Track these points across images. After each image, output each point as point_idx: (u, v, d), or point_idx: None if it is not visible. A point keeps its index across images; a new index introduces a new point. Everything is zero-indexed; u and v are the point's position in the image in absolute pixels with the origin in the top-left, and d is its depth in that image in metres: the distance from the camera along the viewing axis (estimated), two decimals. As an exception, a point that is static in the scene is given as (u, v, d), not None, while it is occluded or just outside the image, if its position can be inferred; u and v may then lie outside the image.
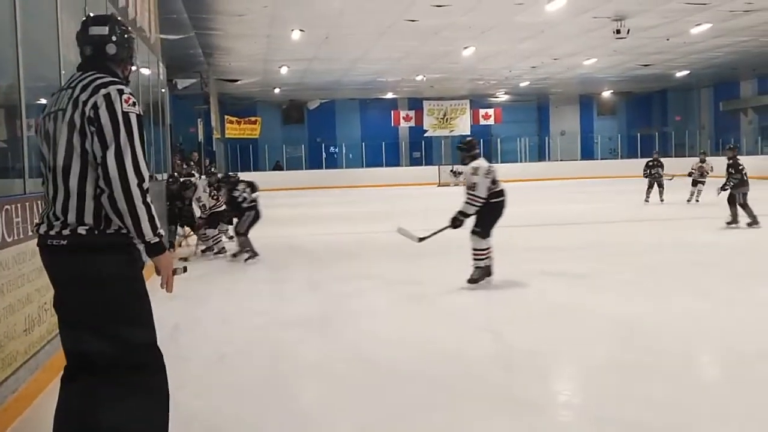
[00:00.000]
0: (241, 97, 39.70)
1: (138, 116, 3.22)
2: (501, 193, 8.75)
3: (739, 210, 13.93)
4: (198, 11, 19.47)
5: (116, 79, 3.31)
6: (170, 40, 17.85)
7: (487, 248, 8.70)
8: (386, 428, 4.38)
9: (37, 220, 3.34)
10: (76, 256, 3.19)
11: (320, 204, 25.43)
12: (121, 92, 3.20)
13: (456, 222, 8.72)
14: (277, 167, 41.64)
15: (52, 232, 3.19)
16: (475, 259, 8.67)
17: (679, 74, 36.95)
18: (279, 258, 11.47)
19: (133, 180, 3.13)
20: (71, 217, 3.17)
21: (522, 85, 39.59)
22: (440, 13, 21.15)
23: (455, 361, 5.71)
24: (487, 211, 8.63)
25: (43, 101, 8.71)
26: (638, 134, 44.39)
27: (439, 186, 36.95)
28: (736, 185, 14.30)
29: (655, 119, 46.62)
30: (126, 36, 3.49)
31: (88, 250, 3.18)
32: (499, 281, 9.11)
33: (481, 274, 8.68)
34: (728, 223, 13.95)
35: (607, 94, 45.45)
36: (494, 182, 8.68)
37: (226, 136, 37.17)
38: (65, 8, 6.81)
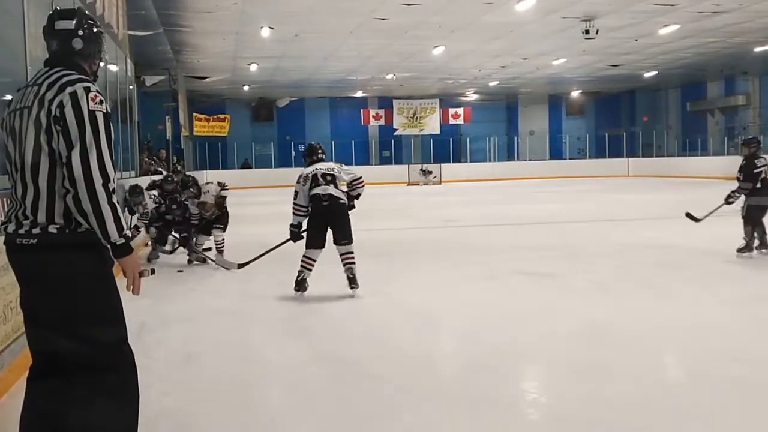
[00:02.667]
0: (210, 94, 39.47)
1: (105, 114, 3.16)
2: (314, 198, 8.36)
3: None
4: (166, 8, 19.34)
5: (83, 77, 3.24)
6: (138, 36, 17.72)
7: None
8: (355, 429, 4.36)
9: (2, 219, 3.27)
10: (46, 255, 3.14)
11: (289, 202, 25.33)
12: (87, 90, 3.14)
13: (292, 235, 8.60)
14: (246, 165, 41.47)
15: (21, 231, 3.14)
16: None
17: (648, 75, 37.27)
18: (247, 257, 11.40)
19: (98, 180, 3.07)
20: (41, 217, 3.12)
21: (491, 84, 39.70)
22: (410, 12, 21.16)
23: (424, 362, 5.71)
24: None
25: (9, 97, 8.59)
26: (606, 134, 44.70)
27: (408, 185, 37.01)
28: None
29: (624, 119, 46.92)
30: (94, 30, 3.41)
31: (59, 248, 3.14)
32: (471, 281, 9.14)
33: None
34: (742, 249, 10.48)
35: (575, 94, 45.71)
36: (313, 188, 8.37)
37: (195, 133, 36.95)
38: (32, 3, 6.73)
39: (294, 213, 8.54)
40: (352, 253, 8.34)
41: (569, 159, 44.77)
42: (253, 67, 31.04)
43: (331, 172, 8.49)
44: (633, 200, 22.65)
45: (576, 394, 4.84)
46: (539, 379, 5.50)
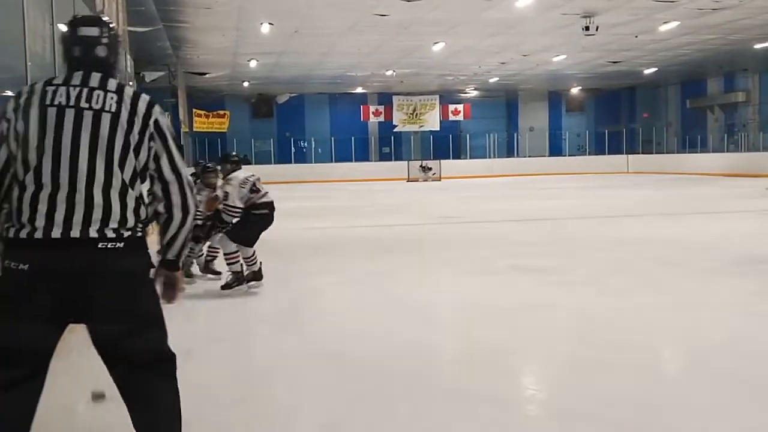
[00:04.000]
0: (210, 90, 39.46)
1: None
2: (265, 206, 8.44)
3: None
4: (166, 3, 19.33)
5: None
6: (138, 32, 17.70)
7: (236, 252, 8.30)
8: (353, 424, 4.37)
9: (42, 224, 3.13)
10: (128, 255, 3.12)
11: (289, 199, 25.34)
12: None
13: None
14: (245, 161, 41.35)
15: (110, 234, 3.06)
16: (228, 264, 8.41)
17: (647, 71, 37.25)
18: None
19: (192, 200, 3.26)
20: (131, 221, 3.11)
21: (491, 81, 39.72)
22: (410, 8, 21.16)
23: (423, 358, 5.72)
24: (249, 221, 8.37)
25: (9, 93, 8.58)
26: (606, 131, 44.72)
27: (408, 181, 37.02)
28: None
29: (623, 116, 46.99)
30: (117, 39, 3.42)
31: (141, 249, 3.17)
32: (471, 277, 9.15)
33: (234, 279, 8.36)
34: None
35: (575, 90, 45.71)
36: (253, 192, 8.40)
37: (195, 129, 36.97)
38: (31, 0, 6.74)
39: (230, 214, 8.34)
40: None
41: (569, 155, 44.80)
42: (253, 63, 31.04)
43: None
44: (632, 196, 22.66)
45: (575, 389, 4.85)
46: (539, 375, 5.51)
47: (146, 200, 3.20)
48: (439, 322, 7.10)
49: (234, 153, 9.43)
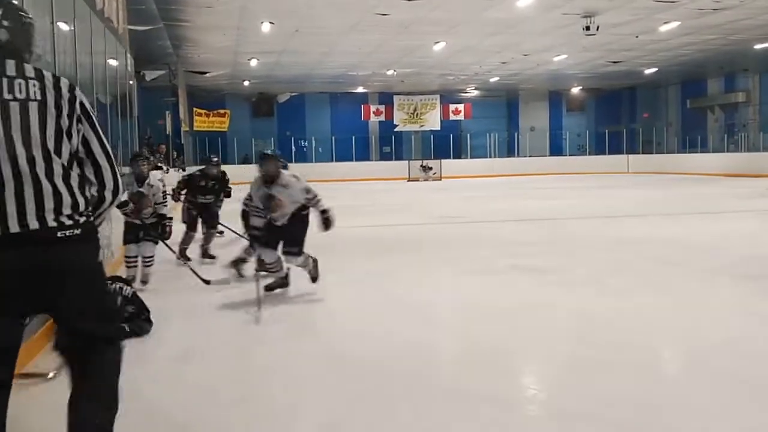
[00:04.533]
0: (210, 89, 39.43)
1: None
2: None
3: None
4: (166, 2, 19.33)
5: None
6: (138, 31, 17.71)
7: (277, 259, 8.26)
8: (353, 424, 4.37)
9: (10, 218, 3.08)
10: (87, 244, 3.16)
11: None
12: None
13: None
14: (246, 160, 41.42)
15: (67, 222, 3.04)
16: (272, 273, 8.38)
17: (648, 71, 37.23)
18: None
19: (122, 182, 3.31)
20: (82, 205, 3.12)
21: (492, 80, 39.70)
22: (410, 8, 21.16)
23: (423, 358, 5.71)
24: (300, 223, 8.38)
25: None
26: (606, 131, 44.67)
27: (408, 181, 36.99)
28: None
29: (624, 116, 46.94)
30: (22, 22, 3.25)
31: (94, 235, 3.21)
32: (471, 277, 9.15)
33: (279, 283, 8.37)
34: None
35: (576, 90, 45.67)
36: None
37: (195, 128, 36.93)
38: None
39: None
40: None
41: (569, 155, 44.74)
42: (254, 62, 31.02)
43: None
44: (632, 196, 22.65)
45: (575, 389, 4.85)
46: (539, 375, 5.51)
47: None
48: (439, 322, 7.10)
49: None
